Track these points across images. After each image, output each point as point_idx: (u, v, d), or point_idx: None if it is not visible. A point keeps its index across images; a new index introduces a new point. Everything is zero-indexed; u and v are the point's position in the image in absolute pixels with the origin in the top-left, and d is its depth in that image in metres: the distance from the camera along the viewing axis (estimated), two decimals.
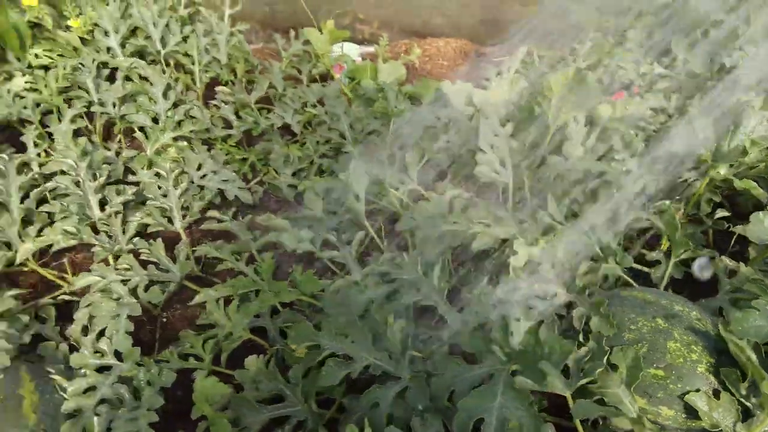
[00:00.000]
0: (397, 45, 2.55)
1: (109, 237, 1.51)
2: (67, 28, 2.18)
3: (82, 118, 1.90)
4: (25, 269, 1.52)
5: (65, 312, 1.44)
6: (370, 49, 2.56)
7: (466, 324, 1.13)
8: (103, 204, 1.60)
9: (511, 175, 1.51)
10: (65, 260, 1.59)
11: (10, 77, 2.01)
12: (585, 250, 1.25)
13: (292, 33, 2.30)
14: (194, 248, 1.52)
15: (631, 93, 1.83)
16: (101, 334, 1.31)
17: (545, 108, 1.65)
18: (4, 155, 1.67)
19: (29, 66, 2.03)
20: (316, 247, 1.42)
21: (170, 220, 1.59)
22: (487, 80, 2.13)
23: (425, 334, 1.19)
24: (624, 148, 1.52)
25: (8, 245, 1.46)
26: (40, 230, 1.53)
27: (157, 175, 1.69)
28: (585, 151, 1.51)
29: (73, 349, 1.30)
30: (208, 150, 1.81)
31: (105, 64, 2.09)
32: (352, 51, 2.30)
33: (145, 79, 1.90)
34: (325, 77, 2.26)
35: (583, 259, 1.24)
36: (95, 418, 1.09)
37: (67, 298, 1.47)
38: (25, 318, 1.28)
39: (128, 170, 1.76)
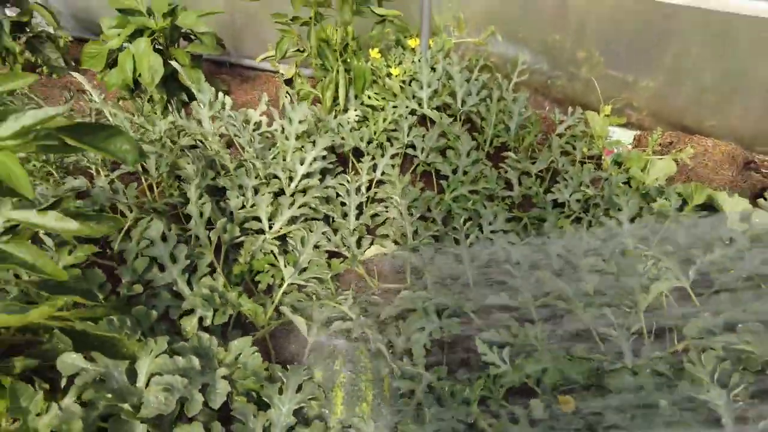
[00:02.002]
0: (663, 135, 2.67)
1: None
2: (389, 75, 2.72)
3: (398, 155, 2.39)
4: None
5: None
6: (636, 132, 2.71)
7: None
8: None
9: None
10: (374, 267, 2.06)
11: (345, 110, 2.59)
12: None
13: (570, 109, 2.57)
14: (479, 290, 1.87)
15: None
16: (407, 340, 1.71)
17: None
18: (347, 176, 2.20)
19: (361, 103, 2.60)
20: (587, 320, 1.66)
21: (461, 262, 1.96)
22: (764, 198, 2.16)
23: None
24: None
25: (348, 248, 1.96)
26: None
27: (450, 213, 2.09)
28: None
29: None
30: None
31: (413, 112, 2.57)
32: (625, 138, 2.49)
33: (457, 137, 2.31)
34: (592, 156, 2.49)
35: None
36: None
37: (374, 298, 1.92)
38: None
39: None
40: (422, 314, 1.68)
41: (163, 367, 1.25)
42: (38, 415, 1.10)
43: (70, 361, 1.17)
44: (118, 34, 2.82)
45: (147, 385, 1.25)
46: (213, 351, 1.44)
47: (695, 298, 1.73)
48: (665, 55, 2.52)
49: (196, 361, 1.32)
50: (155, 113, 2.86)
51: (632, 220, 2.02)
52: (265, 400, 1.34)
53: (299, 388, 1.40)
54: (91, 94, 2.55)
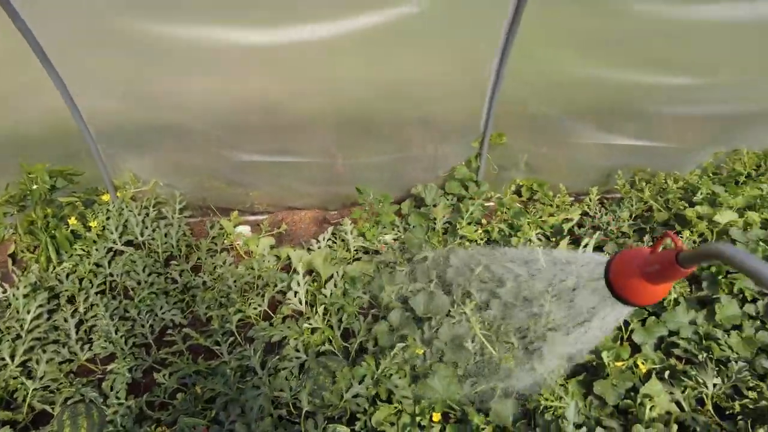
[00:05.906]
0: (278, 214, 4.47)
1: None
2: (89, 228, 4.03)
3: (104, 284, 3.72)
4: None
5: None
6: (263, 217, 4.47)
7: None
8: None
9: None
10: (98, 359, 3.36)
11: (60, 263, 3.84)
12: None
13: (215, 219, 4.20)
14: None
15: None
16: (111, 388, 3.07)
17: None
18: (68, 310, 3.47)
19: (71, 256, 3.85)
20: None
21: (145, 336, 3.39)
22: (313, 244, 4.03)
23: None
24: None
25: (75, 354, 3.24)
26: None
27: (140, 310, 3.52)
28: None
29: None
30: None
31: (111, 249, 3.93)
32: (245, 230, 4.20)
33: (134, 262, 3.74)
34: (226, 248, 4.14)
35: None
36: None
37: (97, 377, 3.24)
38: None
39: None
40: (123, 365, 3.09)
41: None
42: None
43: None
44: None
45: None
46: None
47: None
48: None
49: None
50: None
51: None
52: None
53: None
54: None
